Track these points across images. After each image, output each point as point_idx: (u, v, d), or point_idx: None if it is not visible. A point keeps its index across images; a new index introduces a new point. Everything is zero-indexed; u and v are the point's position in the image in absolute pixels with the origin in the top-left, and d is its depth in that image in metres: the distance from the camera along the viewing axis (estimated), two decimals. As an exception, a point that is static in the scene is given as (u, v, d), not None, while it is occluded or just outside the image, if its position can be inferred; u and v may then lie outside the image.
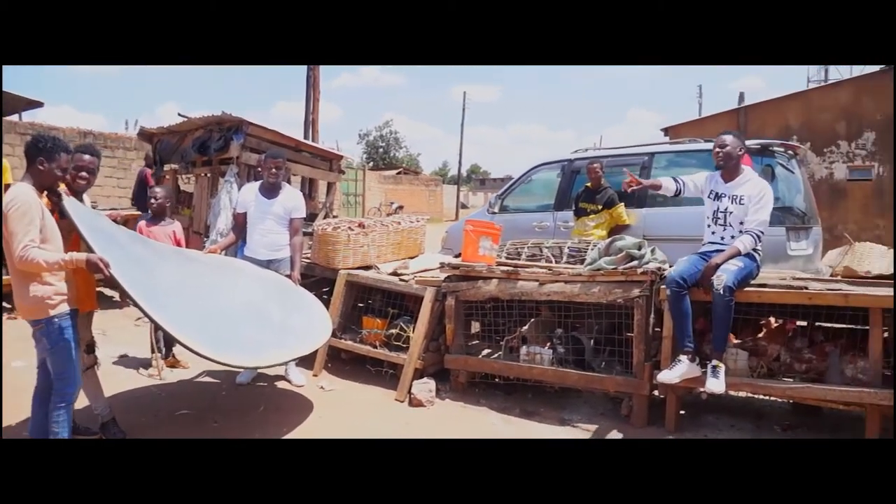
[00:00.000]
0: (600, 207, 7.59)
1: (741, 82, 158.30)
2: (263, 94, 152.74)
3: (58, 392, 3.97)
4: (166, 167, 9.20)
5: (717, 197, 5.06)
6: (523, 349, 5.59)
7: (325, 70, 18.41)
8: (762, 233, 4.91)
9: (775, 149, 7.71)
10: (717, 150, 5.01)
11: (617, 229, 7.56)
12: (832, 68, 42.44)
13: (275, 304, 5.35)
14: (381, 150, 62.74)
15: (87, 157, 4.42)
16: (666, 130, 17.41)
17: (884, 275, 5.02)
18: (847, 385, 4.59)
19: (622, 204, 7.58)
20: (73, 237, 4.11)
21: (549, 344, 5.60)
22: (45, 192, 3.96)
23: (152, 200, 6.14)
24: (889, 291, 4.52)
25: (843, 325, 5.05)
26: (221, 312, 4.71)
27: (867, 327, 4.59)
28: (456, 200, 42.10)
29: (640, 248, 5.22)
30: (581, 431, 5.09)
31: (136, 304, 4.00)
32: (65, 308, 3.92)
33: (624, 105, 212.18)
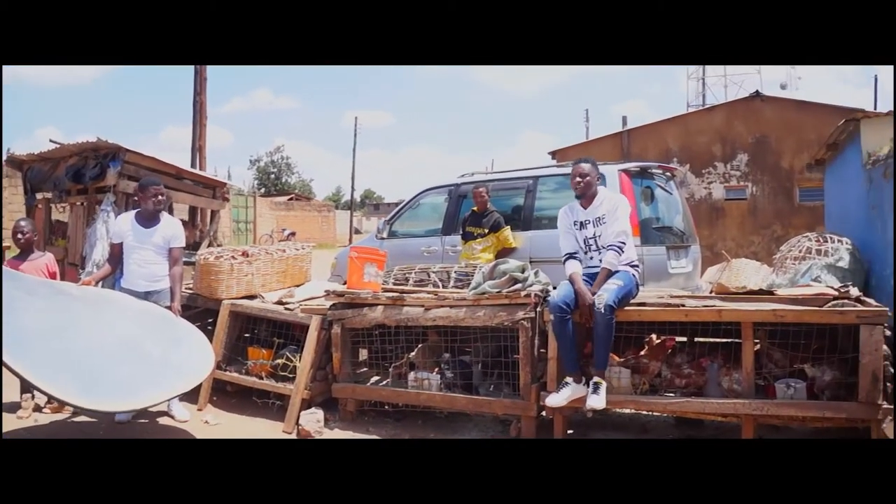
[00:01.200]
0: (487, 231, 7.64)
1: (625, 105, 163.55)
2: (152, 118, 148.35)
3: None
4: (38, 196, 8.81)
5: (582, 226, 5.17)
6: (411, 375, 5.57)
7: (214, 95, 18.12)
8: (623, 243, 5.02)
9: (654, 171, 7.97)
10: (578, 179, 5.09)
11: (504, 252, 7.63)
12: (709, 93, 44.72)
13: (154, 338, 5.16)
14: (272, 175, 61.86)
15: None
16: (553, 153, 17.81)
17: (754, 290, 5.24)
18: (724, 397, 4.76)
19: (508, 227, 7.66)
20: None
21: (437, 369, 5.60)
22: None
23: (18, 236, 5.85)
24: (759, 306, 4.74)
25: (721, 340, 5.27)
26: (95, 351, 4.53)
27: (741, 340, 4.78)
28: (350, 226, 41.89)
29: (523, 271, 5.30)
30: (470, 456, 5.09)
31: None
32: None
33: (517, 128, 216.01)
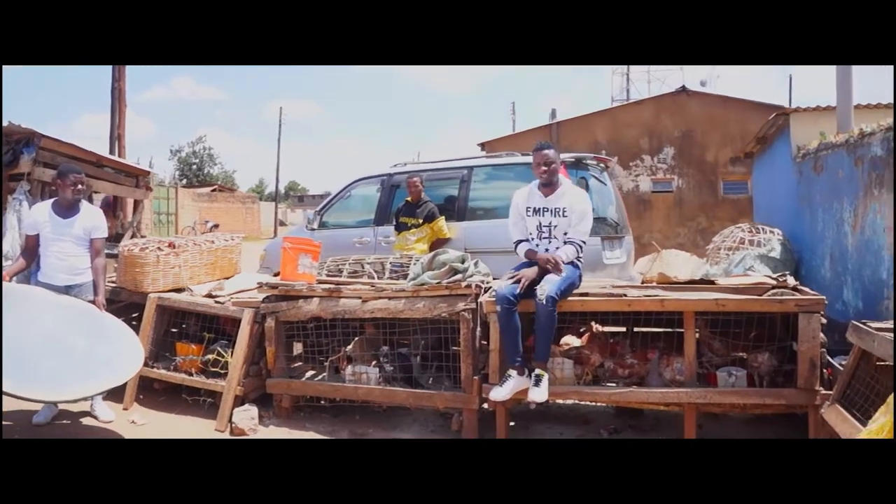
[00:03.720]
0: (421, 221, 7.53)
1: (550, 100, 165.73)
2: (66, 106, 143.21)
3: None
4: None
5: (537, 212, 5.07)
6: (349, 369, 5.41)
7: (134, 82, 17.49)
8: (584, 243, 5.00)
9: (588, 162, 7.97)
10: (544, 168, 4.97)
11: (438, 243, 7.53)
12: (633, 89, 45.52)
13: (78, 334, 4.88)
14: (194, 166, 60.38)
15: None
16: (483, 145, 17.80)
17: (695, 280, 5.25)
18: (666, 387, 4.75)
19: (442, 217, 7.57)
20: None
21: (375, 362, 5.46)
22: None
23: None
24: (700, 295, 4.74)
25: (659, 329, 5.27)
26: (16, 345, 4.24)
27: (682, 330, 4.78)
28: (274, 218, 41.22)
29: (463, 262, 5.19)
30: (411, 451, 4.96)
31: None
32: None
33: (444, 121, 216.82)
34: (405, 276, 5.56)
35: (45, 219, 5.39)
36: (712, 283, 5.19)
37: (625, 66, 46.32)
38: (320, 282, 5.54)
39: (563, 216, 4.99)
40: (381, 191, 8.48)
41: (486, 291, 5.09)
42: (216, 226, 24.41)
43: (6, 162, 7.04)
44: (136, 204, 8.44)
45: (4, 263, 6.29)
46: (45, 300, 5.16)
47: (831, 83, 7.15)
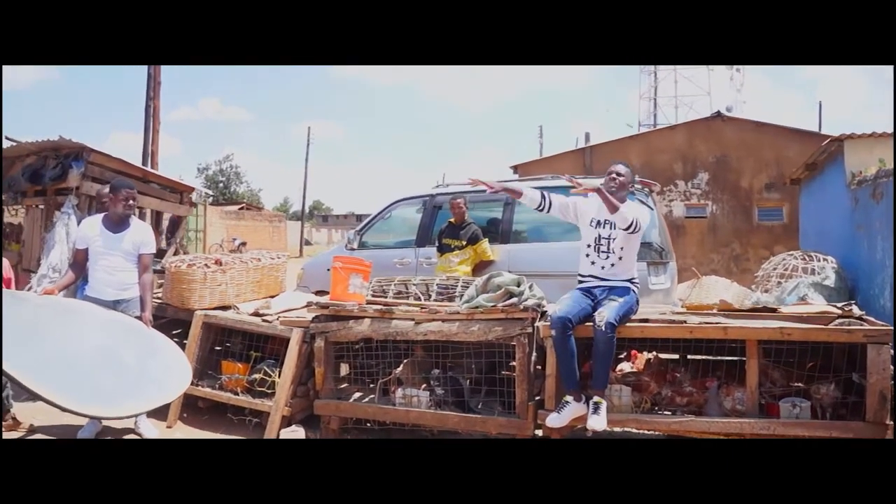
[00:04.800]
0: (464, 243, 7.45)
1: (576, 124, 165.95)
2: (98, 123, 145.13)
3: None
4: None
5: (600, 224, 4.99)
6: (399, 391, 5.29)
7: (163, 102, 17.54)
8: (630, 228, 4.86)
9: (635, 186, 7.86)
10: (614, 177, 4.93)
11: (481, 265, 7.46)
12: (660, 114, 45.43)
13: (127, 349, 4.83)
14: (220, 184, 60.81)
15: None
16: (515, 168, 17.71)
17: (756, 307, 5.10)
18: (726, 417, 4.61)
19: (486, 240, 7.49)
20: None
21: (425, 385, 5.35)
22: None
23: None
24: (764, 323, 4.60)
25: (714, 358, 5.13)
26: (70, 360, 4.18)
27: (741, 358, 4.65)
28: (300, 237, 41.30)
29: (519, 285, 5.07)
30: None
31: None
32: None
33: (467, 142, 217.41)
34: (450, 299, 5.47)
35: (95, 233, 5.36)
36: (774, 311, 5.04)
37: (651, 91, 46.45)
38: (371, 302, 5.45)
39: (621, 230, 4.90)
40: (423, 212, 8.41)
41: (542, 316, 4.99)
42: (244, 243, 24.50)
43: (55, 176, 7.04)
44: (179, 220, 8.43)
45: (52, 276, 6.26)
46: (93, 314, 5.11)
47: (859, 109, 7.05)
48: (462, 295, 5.48)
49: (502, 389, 5.06)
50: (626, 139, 18.30)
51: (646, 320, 4.85)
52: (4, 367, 3.66)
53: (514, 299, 4.99)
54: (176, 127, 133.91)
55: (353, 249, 8.67)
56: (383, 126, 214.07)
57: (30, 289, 6.43)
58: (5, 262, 5.79)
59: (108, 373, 4.41)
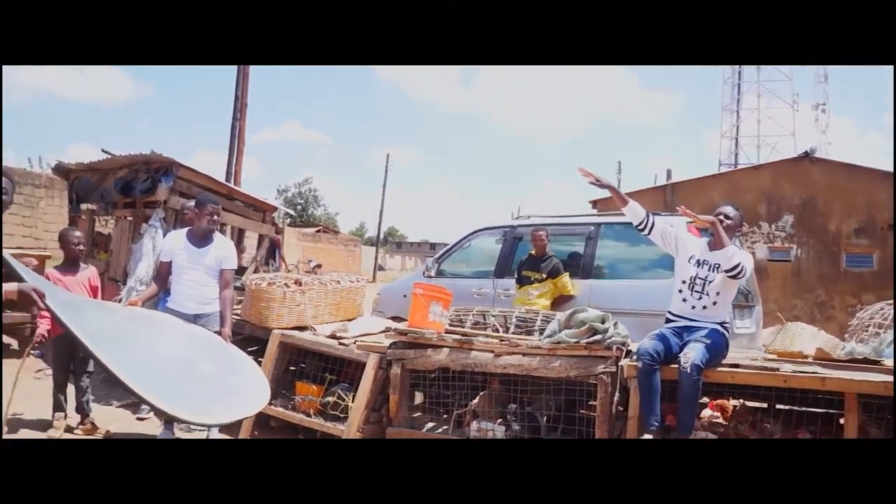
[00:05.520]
0: (544, 276, 7.33)
1: (653, 161, 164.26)
2: (184, 142, 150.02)
3: None
4: (83, 207, 8.55)
5: (700, 264, 4.81)
6: (474, 424, 5.17)
7: (249, 123, 17.89)
8: (735, 272, 4.66)
9: (741, 229, 7.64)
10: (721, 219, 4.76)
11: (561, 300, 7.32)
12: (742, 153, 44.46)
13: (208, 362, 4.84)
14: (298, 206, 61.89)
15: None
16: (594, 203, 17.47)
17: (856, 359, 4.83)
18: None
19: (567, 274, 7.35)
20: None
21: (500, 420, 5.21)
22: None
23: (72, 246, 5.59)
24: (865, 376, 4.34)
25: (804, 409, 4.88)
26: (157, 369, 4.21)
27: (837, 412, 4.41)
28: (374, 262, 41.60)
29: (603, 322, 4.92)
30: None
31: (92, 356, 3.82)
32: None
33: (539, 175, 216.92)
34: (529, 332, 5.35)
35: (179, 247, 5.42)
36: (876, 363, 4.76)
37: (733, 130, 45.52)
38: (449, 331, 5.35)
39: (721, 272, 4.72)
40: (503, 242, 8.32)
41: (626, 355, 4.82)
42: (319, 265, 24.68)
43: (145, 189, 7.18)
44: (261, 239, 8.53)
45: (139, 289, 6.35)
46: (175, 327, 5.15)
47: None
48: (542, 329, 5.36)
49: (580, 429, 4.90)
50: (710, 178, 17.91)
51: (736, 365, 4.63)
52: (107, 363, 3.71)
53: (598, 336, 4.83)
54: (258, 148, 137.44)
55: (430, 277, 8.62)
56: (457, 154, 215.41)
57: (119, 301, 6.54)
58: (93, 270, 5.90)
59: (191, 383, 4.42)
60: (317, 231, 38.29)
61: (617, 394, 4.79)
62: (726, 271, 4.65)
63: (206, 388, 4.49)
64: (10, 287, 3.37)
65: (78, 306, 4.44)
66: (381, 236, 45.00)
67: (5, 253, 3.67)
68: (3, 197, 3.89)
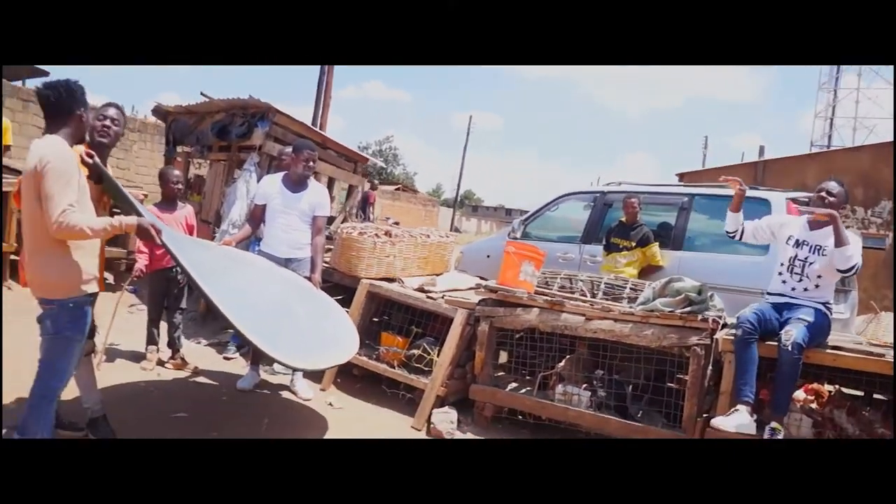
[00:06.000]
0: (633, 244, 7.17)
1: (739, 138, 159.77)
2: (270, 95, 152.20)
3: (43, 384, 3.41)
4: (179, 149, 8.70)
5: (798, 244, 4.63)
6: (559, 388, 5.11)
7: (335, 78, 17.94)
8: (848, 271, 4.52)
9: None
10: (823, 195, 4.56)
11: (648, 269, 7.16)
12: (836, 135, 42.76)
13: (302, 305, 4.90)
14: (378, 164, 62.29)
15: (112, 110, 4.00)
16: (681, 176, 17.07)
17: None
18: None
19: (657, 244, 7.17)
20: (102, 202, 3.69)
21: (586, 385, 5.14)
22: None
23: (171, 185, 5.71)
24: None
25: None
26: (255, 309, 4.26)
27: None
28: (451, 223, 41.66)
29: (700, 293, 4.78)
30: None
31: (204, 296, 3.98)
32: (88, 290, 3.42)
33: (621, 147, 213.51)
34: (616, 300, 5.24)
35: (275, 191, 5.46)
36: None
37: (829, 111, 43.74)
38: (538, 292, 5.28)
39: (822, 255, 4.52)
40: (593, 208, 8.15)
41: (722, 328, 4.68)
42: (396, 223, 24.85)
43: (240, 133, 7.26)
44: (351, 189, 8.56)
45: (232, 232, 6.44)
46: (268, 269, 5.21)
47: None
48: (630, 297, 5.25)
49: (668, 400, 4.80)
50: (804, 157, 17.28)
51: (839, 348, 4.45)
52: (215, 300, 3.81)
53: (694, 307, 4.70)
54: (341, 104, 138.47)
55: (516, 238, 8.55)
56: (537, 122, 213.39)
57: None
58: (190, 209, 6.01)
59: (285, 326, 4.47)
60: (396, 189, 38.45)
61: (709, 368, 4.68)
62: (839, 270, 4.46)
63: (299, 332, 4.54)
64: (130, 221, 3.42)
65: (181, 243, 4.51)
66: (458, 199, 44.86)
67: (126, 190, 3.76)
68: (115, 127, 3.97)
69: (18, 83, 16.36)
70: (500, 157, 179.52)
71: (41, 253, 3.32)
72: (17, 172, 7.74)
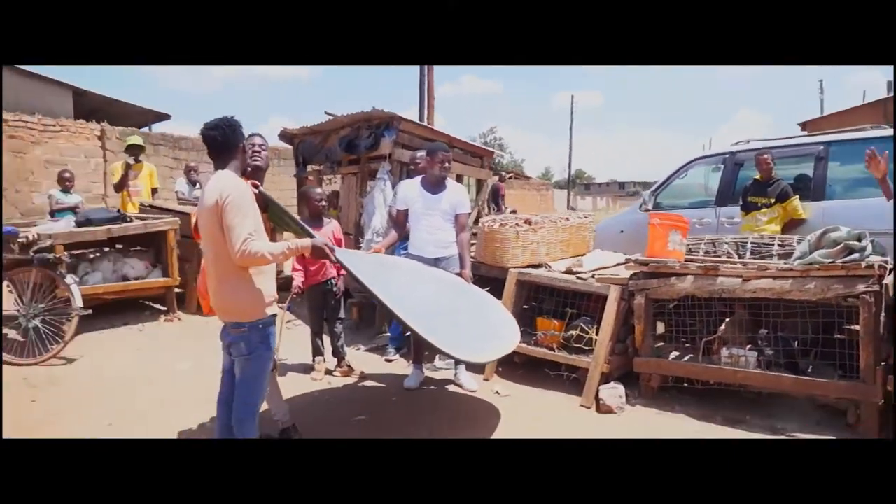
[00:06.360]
0: (773, 201, 7.06)
1: (859, 76, 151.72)
2: (372, 101, 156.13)
3: (243, 402, 3.66)
4: (308, 168, 9.07)
5: None
6: (724, 351, 5.11)
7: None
8: None
9: None
10: None
11: (791, 224, 7.03)
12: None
13: (459, 301, 5.07)
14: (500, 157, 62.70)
15: (258, 137, 4.33)
16: (803, 125, 16.46)
17: None
18: None
19: (797, 196, 7.03)
20: (266, 228, 3.95)
21: (750, 346, 5.12)
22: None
23: (314, 202, 5.99)
24: None
25: None
26: (415, 309, 4.44)
27: None
28: (567, 203, 41.48)
29: (859, 240, 4.68)
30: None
31: (382, 305, 4.16)
32: (272, 311, 3.67)
33: (729, 106, 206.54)
34: (765, 258, 5.18)
35: (415, 194, 5.65)
36: None
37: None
38: (689, 260, 5.28)
39: None
40: (723, 170, 8.06)
41: (889, 272, 4.58)
42: (514, 211, 24.93)
43: (368, 145, 7.51)
44: (480, 183, 8.71)
45: (376, 240, 6.69)
46: (420, 270, 5.40)
47: None
48: (780, 254, 5.19)
49: (841, 352, 4.73)
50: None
51: None
52: (390, 305, 4.06)
53: (856, 255, 4.61)
54: (440, 103, 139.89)
55: (647, 210, 8.54)
56: (637, 92, 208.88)
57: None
58: (335, 223, 6.29)
59: (448, 322, 4.62)
60: (509, 177, 38.59)
61: (882, 315, 4.58)
62: None
63: (463, 327, 4.69)
64: (304, 243, 3.65)
65: (347, 256, 4.76)
66: (571, 179, 44.61)
67: (294, 213, 4.02)
68: (264, 152, 4.26)
69: (145, 129, 17.37)
70: (603, 132, 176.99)
71: (228, 280, 3.54)
72: (169, 212, 8.29)
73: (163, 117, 21.84)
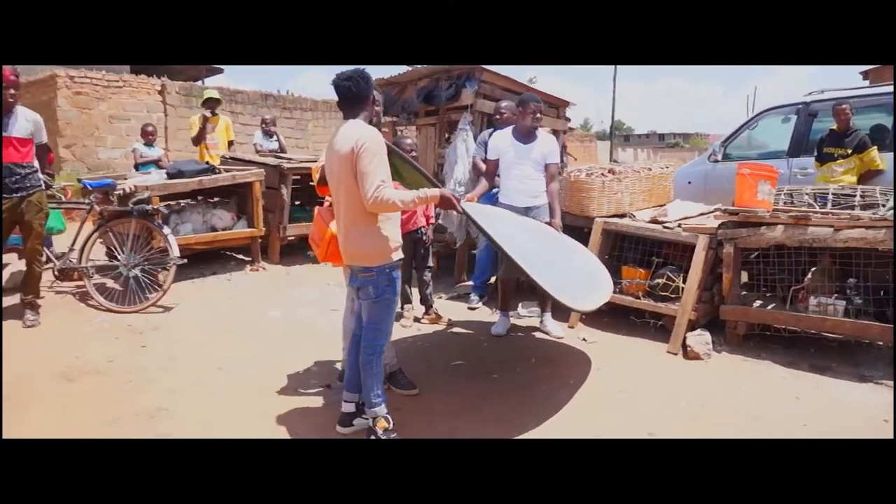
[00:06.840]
0: (850, 152, 7.10)
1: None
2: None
3: (370, 343, 3.90)
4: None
5: None
6: (812, 300, 5.25)
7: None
8: None
9: None
10: None
11: (868, 175, 7.08)
12: None
13: (553, 250, 5.23)
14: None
15: (374, 92, 4.44)
16: (865, 74, 16.17)
17: None
18: None
19: (875, 147, 7.06)
20: None
21: (837, 295, 5.25)
22: None
23: (405, 153, 6.12)
24: None
25: None
26: (537, 261, 4.60)
27: None
28: (609, 155, 41.09)
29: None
30: (887, 389, 4.72)
31: (506, 255, 4.30)
32: (397, 256, 3.87)
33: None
34: (847, 208, 5.26)
35: (507, 144, 5.79)
36: None
37: None
38: (777, 210, 5.38)
39: None
40: (797, 120, 8.09)
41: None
42: (574, 159, 24.90)
43: (449, 96, 7.61)
44: (556, 134, 8.76)
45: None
46: (512, 219, 5.54)
47: None
48: (862, 205, 5.26)
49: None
50: None
51: None
52: (509, 252, 4.24)
53: (949, 204, 4.71)
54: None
55: (717, 161, 8.62)
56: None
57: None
58: (422, 174, 6.45)
59: (549, 269, 4.77)
60: (569, 129, 38.32)
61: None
62: None
63: (563, 275, 4.86)
64: (433, 192, 3.82)
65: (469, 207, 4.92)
66: (613, 130, 44.08)
67: (419, 165, 4.17)
68: (377, 108, 4.41)
69: (199, 83, 17.56)
70: (639, 84, 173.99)
71: (358, 226, 3.73)
72: (252, 164, 8.53)
73: (215, 71, 22.07)
